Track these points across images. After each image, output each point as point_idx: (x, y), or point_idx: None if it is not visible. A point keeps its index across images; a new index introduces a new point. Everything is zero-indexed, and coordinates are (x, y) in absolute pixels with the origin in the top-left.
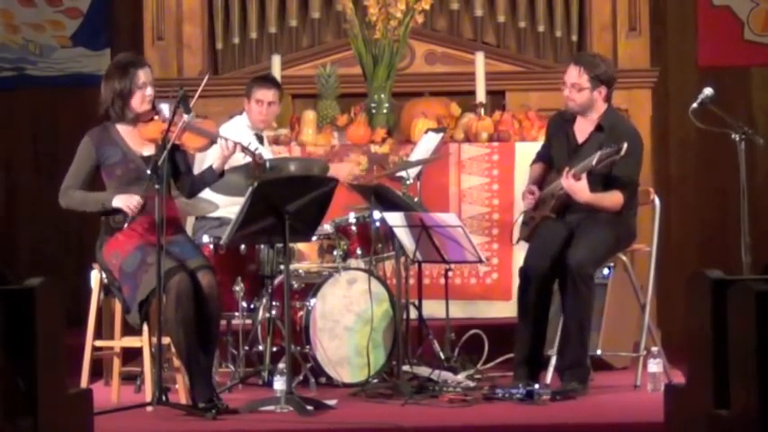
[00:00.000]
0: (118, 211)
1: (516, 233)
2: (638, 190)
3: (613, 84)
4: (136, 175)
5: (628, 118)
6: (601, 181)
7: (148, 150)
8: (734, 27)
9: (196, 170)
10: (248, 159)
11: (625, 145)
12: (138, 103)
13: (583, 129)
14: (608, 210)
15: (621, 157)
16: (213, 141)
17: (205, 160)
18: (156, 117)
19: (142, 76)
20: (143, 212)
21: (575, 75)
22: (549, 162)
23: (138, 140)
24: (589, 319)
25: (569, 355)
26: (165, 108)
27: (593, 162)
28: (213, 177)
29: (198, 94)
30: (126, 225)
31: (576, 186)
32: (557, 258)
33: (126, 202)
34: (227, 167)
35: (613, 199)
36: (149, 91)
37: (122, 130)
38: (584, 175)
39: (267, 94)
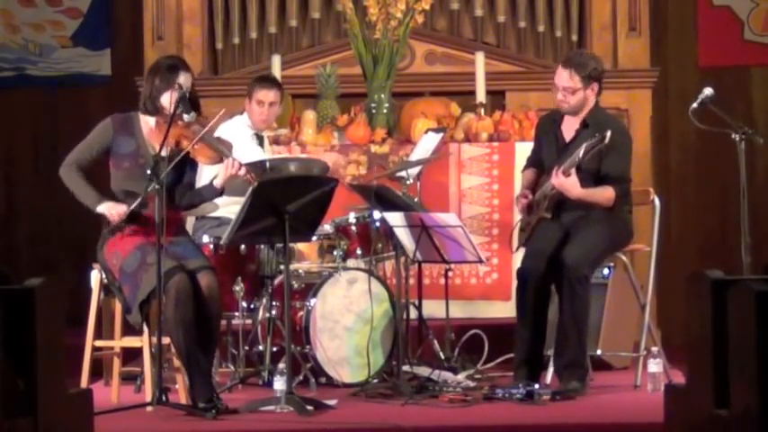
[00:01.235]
0: (119, 202)
1: (515, 241)
2: (631, 186)
3: (603, 77)
4: (142, 171)
5: (615, 116)
6: (591, 177)
7: (164, 150)
8: (734, 27)
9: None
10: (249, 159)
11: (609, 132)
12: (169, 102)
13: (570, 127)
14: (601, 205)
15: (609, 151)
16: (222, 159)
17: (203, 173)
18: (181, 122)
19: (182, 79)
20: (144, 212)
21: (566, 78)
22: (541, 166)
23: (156, 138)
24: (586, 320)
25: (567, 356)
26: (185, 117)
27: (580, 155)
28: (213, 194)
29: (213, 122)
30: (126, 225)
31: (567, 183)
32: (553, 259)
33: (110, 209)
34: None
35: (605, 194)
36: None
37: (145, 124)
38: (573, 171)
39: (268, 95)
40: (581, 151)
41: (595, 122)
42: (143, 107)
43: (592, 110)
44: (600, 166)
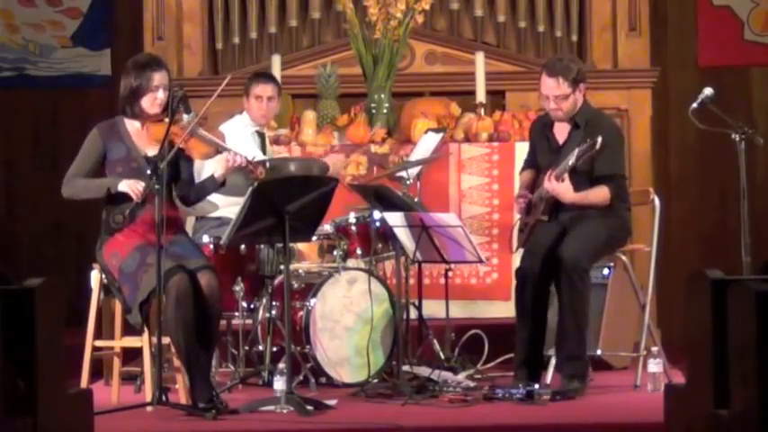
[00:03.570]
0: (118, 202)
1: (515, 242)
2: (627, 183)
3: (586, 77)
4: (137, 174)
5: (602, 112)
6: (586, 178)
7: (153, 151)
8: (734, 27)
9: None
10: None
11: (599, 139)
12: (149, 104)
13: (561, 129)
14: (596, 205)
15: (600, 151)
16: (219, 151)
17: (203, 169)
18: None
19: (156, 78)
20: (144, 211)
21: (554, 86)
22: (537, 168)
23: (144, 140)
24: (586, 313)
25: (567, 350)
26: (185, 117)
27: (572, 161)
28: (214, 186)
29: (217, 92)
30: (125, 225)
31: (560, 188)
32: (551, 257)
33: (131, 185)
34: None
35: (600, 194)
36: (161, 94)
37: (131, 127)
38: (566, 176)
39: (266, 89)
40: (573, 158)
41: (585, 121)
42: (123, 110)
43: (580, 109)
44: (593, 166)
